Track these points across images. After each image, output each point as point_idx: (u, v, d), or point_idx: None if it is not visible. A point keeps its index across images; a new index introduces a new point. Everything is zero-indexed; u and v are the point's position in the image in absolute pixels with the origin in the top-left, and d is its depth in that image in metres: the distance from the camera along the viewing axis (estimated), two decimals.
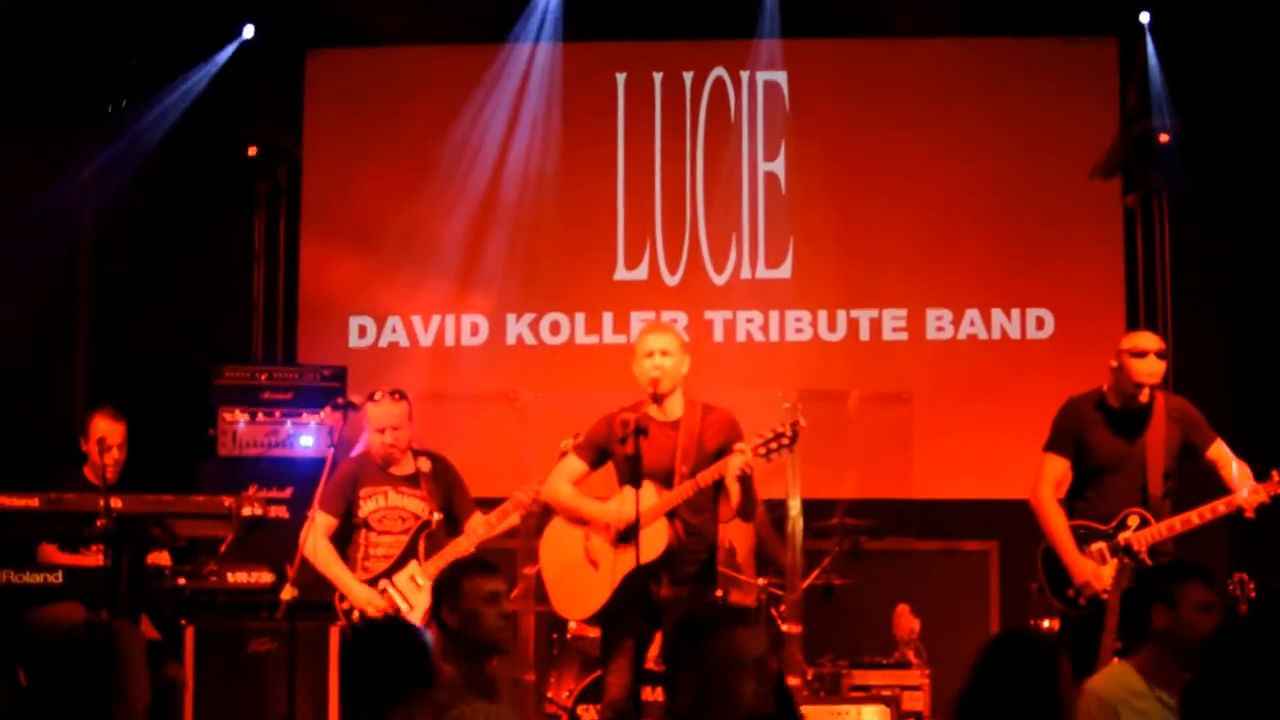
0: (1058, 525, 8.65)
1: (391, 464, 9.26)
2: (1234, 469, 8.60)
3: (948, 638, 11.17)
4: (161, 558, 9.03)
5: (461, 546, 9.07)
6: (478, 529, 9.14)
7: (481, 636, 6.35)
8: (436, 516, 9.18)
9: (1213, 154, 11.99)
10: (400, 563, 9.09)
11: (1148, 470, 8.59)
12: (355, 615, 9.04)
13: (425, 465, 9.29)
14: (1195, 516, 8.52)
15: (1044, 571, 8.72)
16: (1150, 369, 8.60)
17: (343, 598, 9.12)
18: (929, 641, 10.89)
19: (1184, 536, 8.56)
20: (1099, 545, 8.57)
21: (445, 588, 6.40)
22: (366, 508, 9.21)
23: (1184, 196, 12.10)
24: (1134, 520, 8.54)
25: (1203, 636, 6.03)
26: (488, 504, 9.30)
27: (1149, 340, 8.73)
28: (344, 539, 9.28)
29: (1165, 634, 6.23)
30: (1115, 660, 6.52)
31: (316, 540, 9.07)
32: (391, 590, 9.04)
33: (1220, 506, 8.51)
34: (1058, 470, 8.80)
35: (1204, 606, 6.25)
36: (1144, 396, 8.61)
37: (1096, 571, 8.46)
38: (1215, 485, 8.64)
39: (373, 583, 9.07)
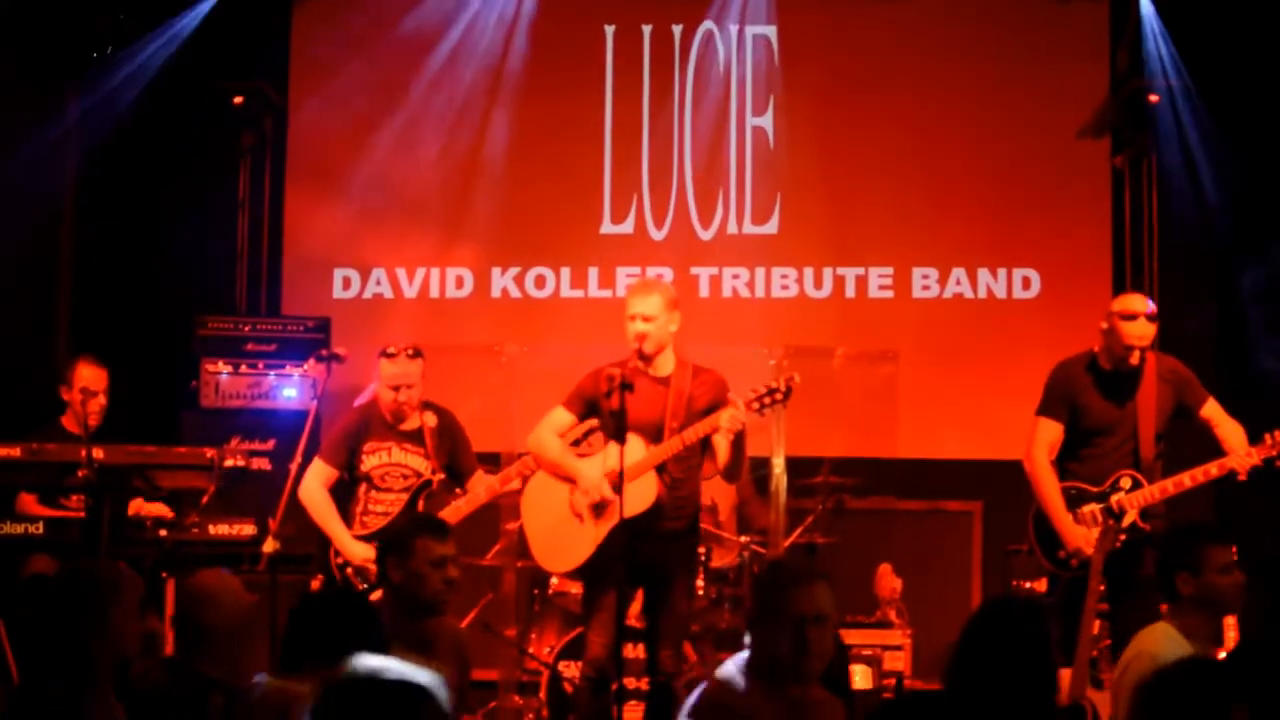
0: (1050, 490, 8.65)
1: (401, 420, 9.20)
2: (1228, 428, 8.61)
3: (930, 598, 11.20)
4: (158, 508, 9.03)
5: (462, 509, 9.05)
6: (480, 492, 9.10)
7: (423, 597, 6.43)
8: (438, 476, 9.11)
9: (1204, 115, 11.96)
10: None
11: (1139, 432, 8.60)
12: (350, 571, 8.99)
13: (431, 420, 9.20)
14: (1188, 479, 8.53)
15: (1035, 533, 8.73)
16: (1140, 331, 8.58)
17: (338, 553, 9.07)
18: (911, 601, 10.89)
19: (1174, 499, 8.56)
20: (1091, 507, 8.59)
21: (395, 543, 6.42)
22: (369, 462, 9.14)
23: (1173, 157, 12.08)
24: (1126, 482, 8.55)
25: (1232, 595, 6.22)
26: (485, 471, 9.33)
27: (1139, 303, 8.70)
28: (342, 492, 9.23)
29: (1195, 598, 6.35)
30: (1160, 622, 6.55)
31: (315, 490, 9.04)
32: None
33: (1213, 469, 8.51)
34: (1051, 434, 8.77)
35: (1226, 568, 6.35)
36: (1134, 359, 8.59)
37: (1088, 537, 8.44)
38: (1208, 449, 8.63)
39: (369, 539, 8.99)
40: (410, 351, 9.16)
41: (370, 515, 9.11)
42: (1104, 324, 8.70)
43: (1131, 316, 8.60)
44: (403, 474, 9.12)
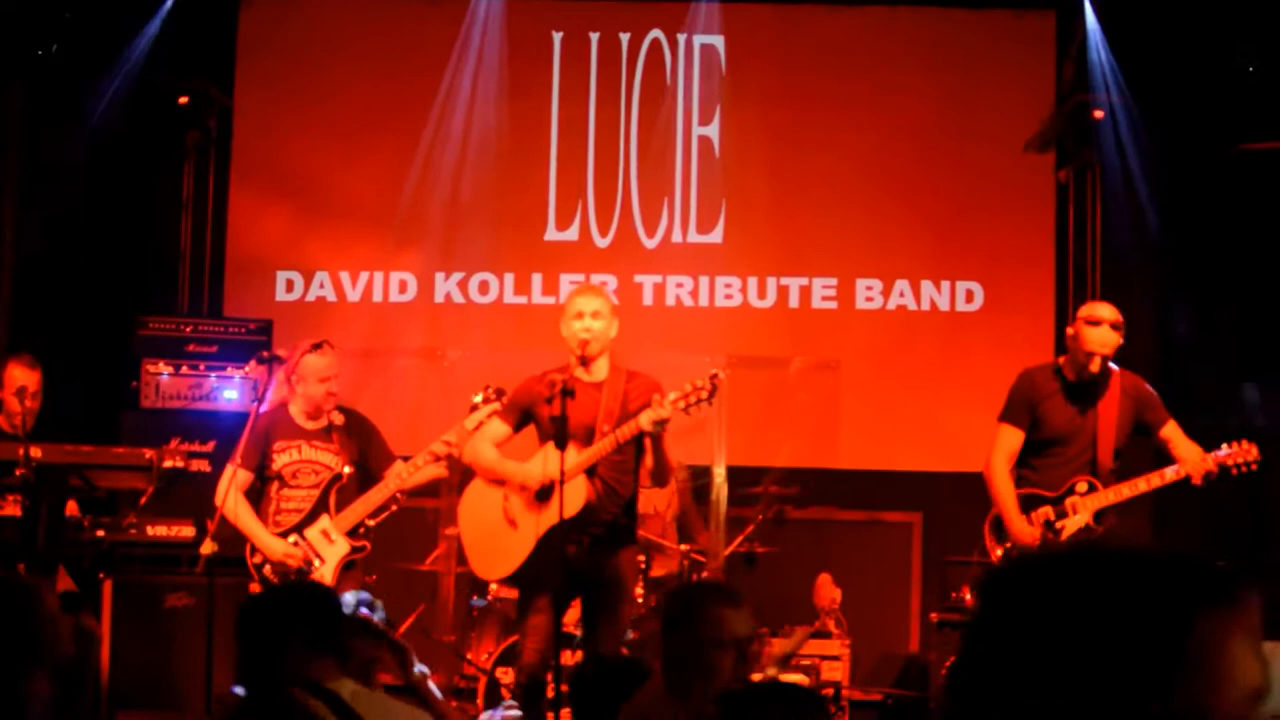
0: (1006, 494, 8.70)
1: (321, 415, 9.16)
2: (1185, 448, 8.65)
3: (868, 608, 11.23)
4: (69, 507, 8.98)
5: (373, 498, 8.99)
6: (391, 479, 9.06)
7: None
8: (347, 470, 9.07)
9: (1146, 129, 12.03)
10: (311, 517, 8.94)
11: (1098, 442, 8.65)
12: (267, 569, 8.95)
13: (338, 419, 9.19)
14: (1143, 483, 8.59)
15: (990, 541, 8.78)
16: (1103, 339, 8.61)
17: (254, 551, 9.02)
18: (850, 612, 10.91)
19: (1117, 508, 8.61)
20: (1044, 510, 8.65)
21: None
22: (280, 461, 9.10)
23: (1116, 172, 12.14)
24: (1082, 486, 8.62)
25: None
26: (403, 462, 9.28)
27: (1105, 309, 8.73)
28: (255, 494, 9.19)
29: None
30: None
31: (232, 495, 9.00)
32: (303, 544, 8.93)
33: (1169, 473, 8.58)
34: (1012, 441, 8.81)
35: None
36: (1094, 365, 8.63)
37: (1034, 535, 8.55)
38: (1163, 465, 8.69)
39: (283, 536, 8.96)
40: (329, 344, 9.16)
41: (283, 513, 9.05)
42: (1070, 329, 8.78)
43: (1095, 322, 8.63)
44: (314, 469, 9.07)
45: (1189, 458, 8.57)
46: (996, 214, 12.63)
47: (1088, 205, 12.36)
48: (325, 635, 5.06)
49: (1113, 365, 8.74)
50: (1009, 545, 8.65)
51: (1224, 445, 8.56)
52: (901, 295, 12.60)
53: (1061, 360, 8.85)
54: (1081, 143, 12.23)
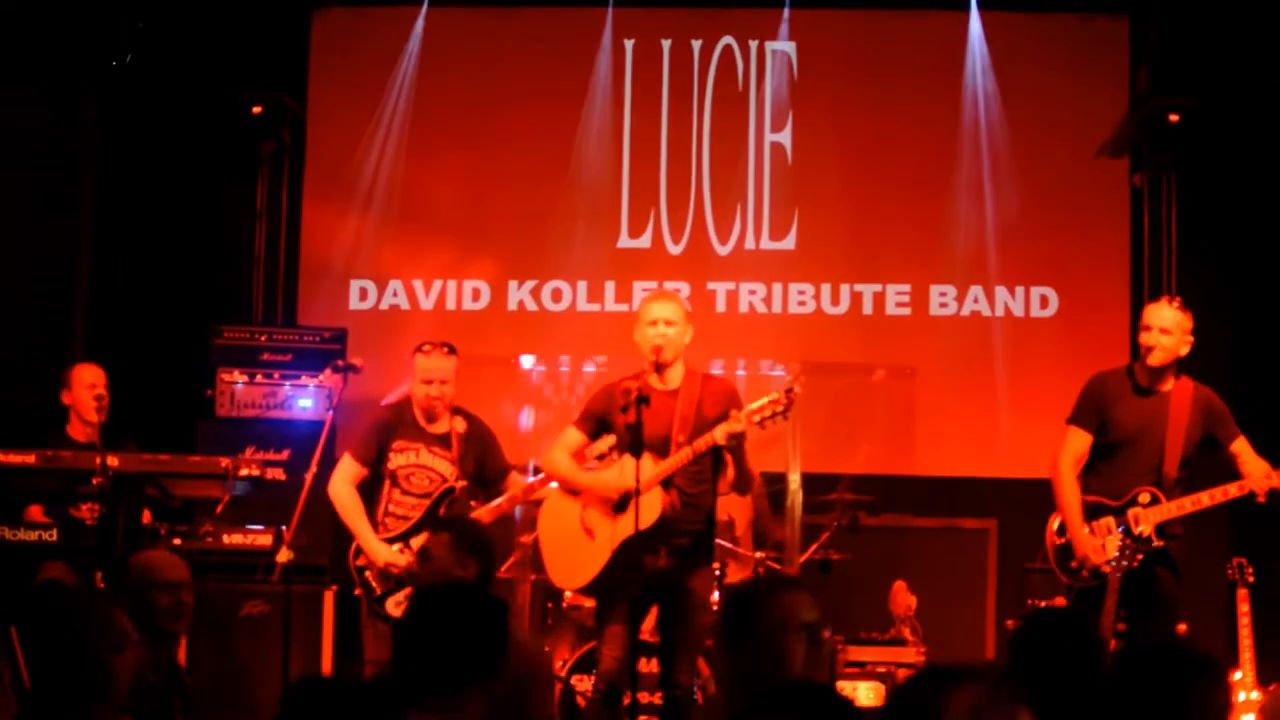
0: (1070, 499, 8.68)
1: (433, 418, 9.16)
2: (1254, 464, 8.60)
3: (944, 615, 11.17)
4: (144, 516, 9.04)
5: (499, 506, 9.04)
6: (515, 490, 9.09)
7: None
8: (461, 483, 9.06)
9: (1222, 133, 11.93)
10: (418, 528, 8.92)
11: (1166, 450, 8.59)
12: (369, 574, 8.95)
13: (460, 426, 9.17)
14: (1206, 497, 8.54)
15: (1051, 544, 8.75)
16: (1161, 325, 8.62)
17: (358, 554, 9.02)
18: (925, 619, 10.84)
19: (1189, 518, 8.55)
20: (1107, 520, 8.61)
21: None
22: (396, 460, 9.10)
23: (1192, 176, 12.05)
24: (1145, 497, 8.56)
25: None
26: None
27: (1163, 304, 8.78)
28: (368, 491, 9.19)
29: None
30: None
31: (343, 487, 9.01)
32: (408, 553, 8.89)
33: (1232, 489, 8.53)
34: (1080, 444, 8.79)
35: None
36: (1152, 360, 8.62)
37: (1097, 547, 8.52)
38: (1230, 478, 8.62)
39: (389, 544, 8.96)
40: (446, 348, 9.17)
41: (391, 518, 9.07)
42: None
43: (1146, 328, 8.68)
44: (428, 477, 9.07)
45: (1254, 473, 8.53)
46: (1071, 219, 12.55)
47: (1163, 210, 12.24)
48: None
49: (1185, 377, 8.71)
50: (1074, 563, 8.62)
51: None
52: (975, 301, 12.53)
53: (1135, 363, 8.82)
54: (1157, 147, 12.11)
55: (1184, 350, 8.67)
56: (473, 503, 9.13)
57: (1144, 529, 8.49)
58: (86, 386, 9.64)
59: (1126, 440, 8.69)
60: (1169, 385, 8.68)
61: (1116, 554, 8.24)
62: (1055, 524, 8.80)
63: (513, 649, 5.01)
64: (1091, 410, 8.79)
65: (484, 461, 9.22)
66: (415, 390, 9.15)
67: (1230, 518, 10.33)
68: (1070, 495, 8.69)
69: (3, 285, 11.50)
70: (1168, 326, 8.61)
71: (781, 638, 5.03)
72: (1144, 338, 8.65)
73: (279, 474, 10.44)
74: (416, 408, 9.16)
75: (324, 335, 11.46)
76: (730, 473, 8.23)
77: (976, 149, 12.62)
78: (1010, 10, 12.71)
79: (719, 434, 7.96)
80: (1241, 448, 8.67)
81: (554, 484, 8.86)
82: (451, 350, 9.18)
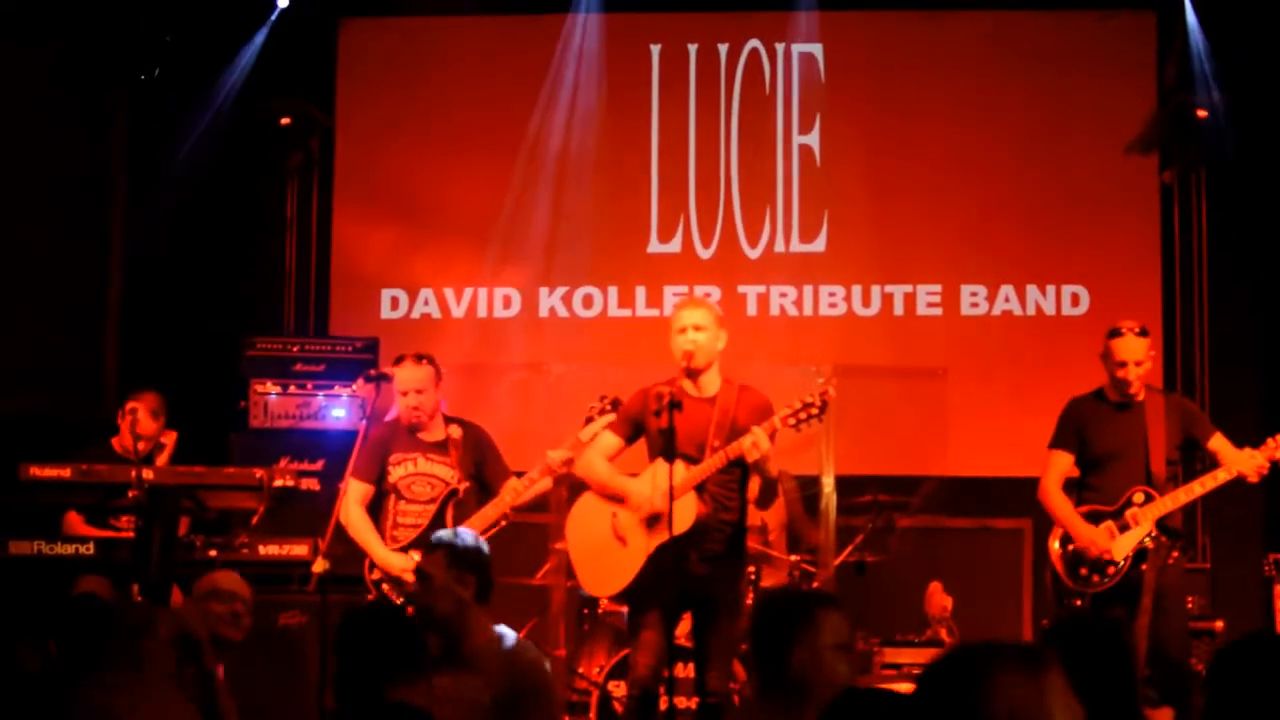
0: (1064, 508, 8.94)
1: (419, 429, 9.23)
2: (1233, 455, 8.75)
3: (980, 616, 11.15)
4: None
5: (488, 514, 9.01)
6: (507, 495, 9.08)
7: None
8: (464, 485, 9.12)
9: (1252, 129, 11.90)
10: (428, 533, 8.97)
11: (1150, 454, 8.81)
12: (385, 585, 9.00)
13: (455, 432, 9.25)
14: (1198, 486, 8.76)
15: (1058, 559, 8.93)
16: (1128, 375, 8.85)
17: (373, 567, 9.09)
18: (961, 620, 10.83)
19: (1221, 519, 8.61)
20: (1106, 524, 8.78)
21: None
22: (396, 473, 9.20)
23: (1222, 172, 12.02)
24: (1139, 497, 8.76)
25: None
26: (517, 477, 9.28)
27: (1125, 324, 9.00)
28: (375, 508, 9.26)
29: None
30: None
31: (350, 508, 9.07)
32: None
33: (1220, 474, 8.70)
34: (1062, 465, 9.06)
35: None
36: (1124, 374, 8.85)
37: (1103, 533, 8.72)
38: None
39: (401, 552, 9.02)
40: (417, 357, 9.27)
41: (399, 529, 9.16)
42: (1101, 351, 8.98)
43: (1117, 333, 8.92)
44: (429, 483, 9.15)
45: (1238, 459, 8.66)
46: (1100, 216, 12.53)
47: (1193, 206, 12.23)
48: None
49: (1153, 387, 9.03)
50: (1085, 570, 8.71)
51: (1269, 440, 8.65)
52: (1006, 300, 12.52)
53: (1105, 385, 9.01)
54: (1185, 143, 12.10)
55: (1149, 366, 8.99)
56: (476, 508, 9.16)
57: (1144, 527, 8.65)
58: (128, 412, 9.71)
59: (1111, 453, 8.89)
60: (1141, 396, 8.91)
61: (1152, 553, 8.31)
62: (1055, 542, 8.99)
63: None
64: (1069, 431, 9.06)
65: (482, 465, 9.28)
66: (398, 403, 9.25)
67: (1267, 516, 10.34)
68: (1063, 505, 8.95)
69: (35, 299, 11.54)
70: (1140, 358, 8.87)
71: (835, 656, 5.07)
72: (1121, 373, 8.85)
73: (313, 484, 10.46)
74: (402, 419, 9.25)
75: (356, 345, 11.47)
76: (753, 489, 8.23)
77: (1004, 147, 12.62)
78: (1035, 10, 12.69)
79: (746, 446, 7.95)
80: (1219, 444, 8.84)
81: (545, 487, 9.01)
82: (423, 358, 9.32)
